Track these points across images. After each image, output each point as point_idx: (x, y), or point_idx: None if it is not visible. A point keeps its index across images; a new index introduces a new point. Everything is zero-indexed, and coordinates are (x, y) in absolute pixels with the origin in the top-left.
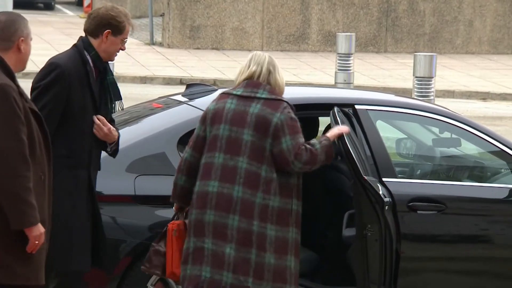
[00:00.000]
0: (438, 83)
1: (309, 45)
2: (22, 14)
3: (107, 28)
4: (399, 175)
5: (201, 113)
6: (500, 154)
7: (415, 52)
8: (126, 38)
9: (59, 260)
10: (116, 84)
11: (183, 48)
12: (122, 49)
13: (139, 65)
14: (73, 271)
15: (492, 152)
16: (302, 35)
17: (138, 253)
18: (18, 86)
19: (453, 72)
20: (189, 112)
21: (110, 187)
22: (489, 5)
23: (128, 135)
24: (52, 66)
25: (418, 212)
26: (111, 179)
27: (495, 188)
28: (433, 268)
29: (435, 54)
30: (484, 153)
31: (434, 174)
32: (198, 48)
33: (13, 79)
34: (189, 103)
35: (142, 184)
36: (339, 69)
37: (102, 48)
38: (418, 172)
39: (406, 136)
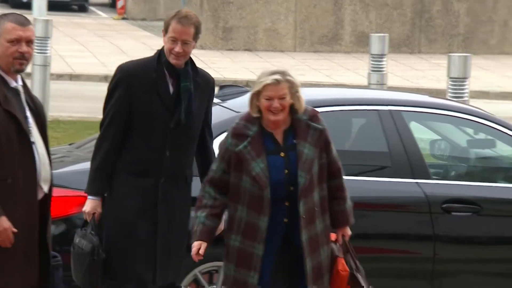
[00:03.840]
0: (472, 84)
1: (342, 46)
2: (56, 16)
3: (163, 27)
4: (434, 176)
5: (234, 114)
6: None
7: (449, 52)
8: (173, 36)
9: (113, 266)
10: (188, 92)
11: (215, 49)
12: (176, 51)
13: None
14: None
15: None
16: (335, 36)
17: None
18: None
19: (488, 73)
20: (223, 114)
21: None
22: None
23: None
24: (117, 70)
25: (453, 213)
26: None
27: None
28: (468, 270)
29: (469, 54)
30: None
31: (468, 176)
32: (230, 49)
33: None
34: (222, 104)
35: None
36: (372, 70)
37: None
38: (453, 173)
39: (440, 138)
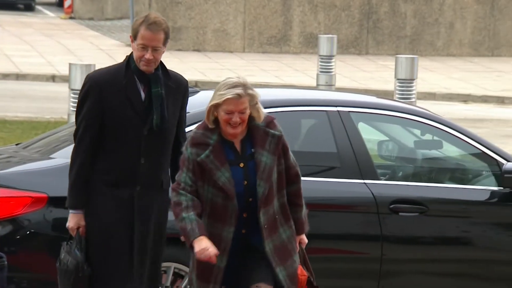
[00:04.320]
0: (419, 85)
1: (290, 47)
2: (2, 15)
3: (130, 33)
4: (381, 177)
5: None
6: (481, 156)
7: (397, 54)
8: (143, 43)
9: (96, 279)
10: (160, 98)
11: None
12: (146, 58)
13: None
14: None
15: (474, 154)
16: (284, 37)
17: None
18: None
19: (434, 75)
20: None
21: None
22: (470, 8)
23: None
24: (85, 80)
25: (400, 214)
26: None
27: (477, 190)
28: (415, 270)
29: (416, 56)
30: (465, 155)
31: (415, 176)
32: (179, 50)
33: None
34: None
35: None
36: (320, 71)
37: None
38: (400, 174)
39: (387, 138)
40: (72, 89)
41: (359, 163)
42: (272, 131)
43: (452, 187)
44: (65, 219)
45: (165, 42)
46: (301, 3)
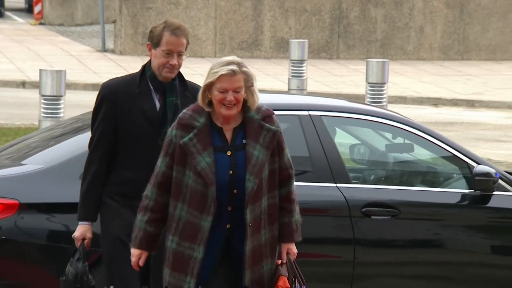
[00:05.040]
0: (390, 89)
1: (262, 51)
2: None
3: (148, 41)
4: (353, 181)
5: None
6: (452, 159)
7: (367, 58)
8: (168, 49)
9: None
10: (176, 108)
11: (135, 54)
12: (172, 64)
13: (91, 72)
14: None
15: (445, 157)
16: (255, 41)
17: (93, 261)
18: None
19: (405, 78)
20: None
21: (64, 194)
22: (439, 12)
23: (78, 145)
24: (100, 89)
25: (372, 217)
26: (65, 186)
27: (448, 193)
28: (387, 273)
29: (387, 60)
30: (437, 158)
31: (387, 180)
32: None
33: None
34: None
35: None
36: (292, 76)
37: (152, 65)
38: (372, 177)
39: (359, 142)
40: (43, 95)
41: (331, 167)
42: (267, 125)
43: (423, 190)
44: (37, 226)
45: (186, 47)
46: (272, 8)
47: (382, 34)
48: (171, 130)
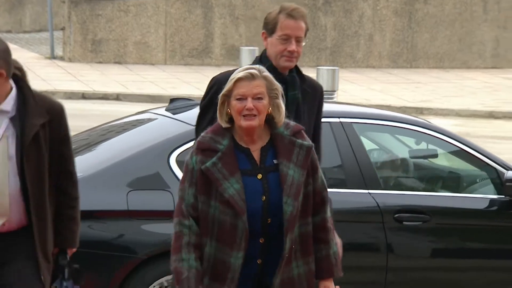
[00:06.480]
0: (340, 97)
1: (212, 59)
2: None
3: (263, 29)
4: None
5: (189, 127)
6: (481, 165)
7: (318, 66)
8: (286, 34)
9: None
10: (297, 103)
11: (84, 62)
12: (291, 50)
13: (40, 79)
14: None
15: (473, 163)
16: (205, 49)
17: (131, 269)
18: None
19: (355, 86)
20: (179, 127)
21: (103, 202)
22: (388, 20)
23: (116, 151)
24: (211, 82)
25: (404, 223)
26: (104, 194)
27: (478, 199)
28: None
29: (337, 68)
30: (465, 164)
31: (417, 186)
32: (100, 62)
33: None
34: (174, 117)
35: (135, 198)
36: None
37: (269, 55)
38: (402, 183)
39: (388, 148)
40: None
41: (363, 174)
42: (299, 140)
43: (454, 196)
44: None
45: (306, 34)
46: (222, 16)
47: (332, 42)
48: (191, 157)
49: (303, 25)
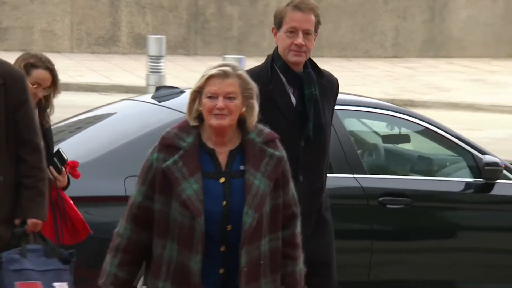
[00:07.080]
0: None
1: (119, 47)
2: None
3: (273, 25)
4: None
5: (180, 114)
6: (458, 149)
7: (224, 55)
8: (292, 27)
9: None
10: (315, 101)
11: None
12: (298, 43)
13: None
14: None
15: (451, 148)
16: (112, 37)
17: None
18: None
19: None
20: (169, 115)
21: (101, 188)
22: None
23: (109, 139)
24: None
25: (388, 206)
26: (102, 180)
27: (456, 182)
28: (403, 260)
29: (243, 57)
30: (443, 149)
31: (400, 170)
32: (6, 50)
33: None
34: (162, 105)
35: (133, 184)
36: (150, 72)
37: (279, 51)
38: (383, 168)
39: (369, 133)
40: None
41: (347, 158)
42: (270, 150)
43: (435, 180)
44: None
45: (316, 27)
46: (129, 4)
47: (238, 31)
48: (152, 153)
49: (312, 17)
